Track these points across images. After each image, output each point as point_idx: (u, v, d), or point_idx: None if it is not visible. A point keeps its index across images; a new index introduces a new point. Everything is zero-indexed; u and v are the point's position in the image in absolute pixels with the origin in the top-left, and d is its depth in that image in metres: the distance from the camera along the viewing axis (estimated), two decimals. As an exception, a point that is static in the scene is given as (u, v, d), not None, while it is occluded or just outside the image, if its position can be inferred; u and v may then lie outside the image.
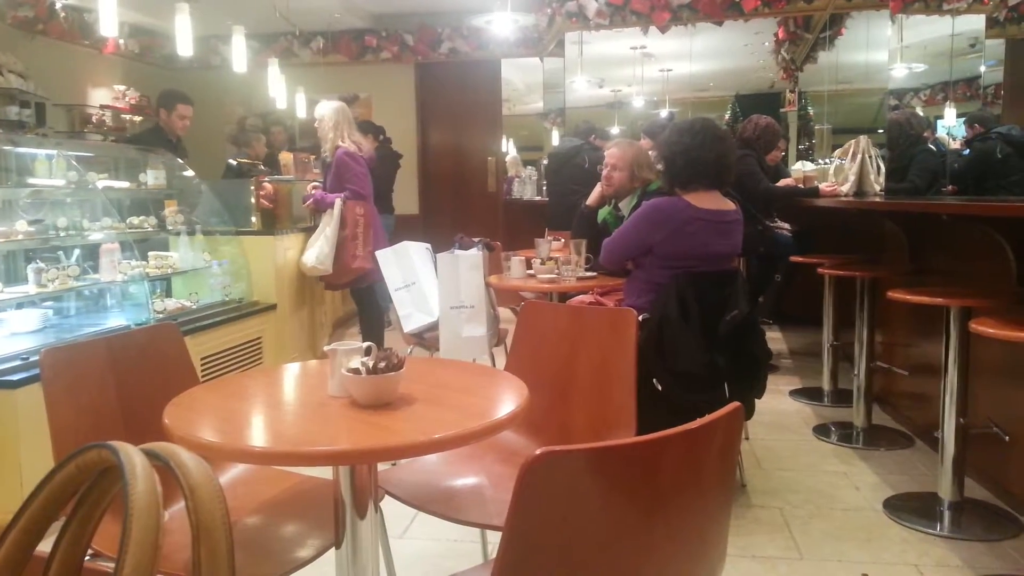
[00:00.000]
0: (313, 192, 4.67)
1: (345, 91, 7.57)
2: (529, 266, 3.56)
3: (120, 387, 1.86)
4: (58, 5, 6.74)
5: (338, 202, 4.42)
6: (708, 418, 1.07)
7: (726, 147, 2.89)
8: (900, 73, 5.99)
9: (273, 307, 4.58)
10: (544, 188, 8.02)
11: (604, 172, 3.55)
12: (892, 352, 3.95)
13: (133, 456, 0.50)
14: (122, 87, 7.65)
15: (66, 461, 0.54)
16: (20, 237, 3.33)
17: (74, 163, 3.73)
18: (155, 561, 0.46)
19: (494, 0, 6.73)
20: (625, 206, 3.51)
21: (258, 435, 1.50)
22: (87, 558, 0.61)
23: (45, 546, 0.60)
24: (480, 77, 8.33)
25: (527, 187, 8.49)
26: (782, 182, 5.00)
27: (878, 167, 4.50)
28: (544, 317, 2.33)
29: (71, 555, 0.55)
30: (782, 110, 8.85)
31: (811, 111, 8.61)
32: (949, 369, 2.72)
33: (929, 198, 4.37)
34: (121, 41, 7.55)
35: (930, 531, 2.67)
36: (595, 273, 3.41)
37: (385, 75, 8.27)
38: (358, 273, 4.49)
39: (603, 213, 3.59)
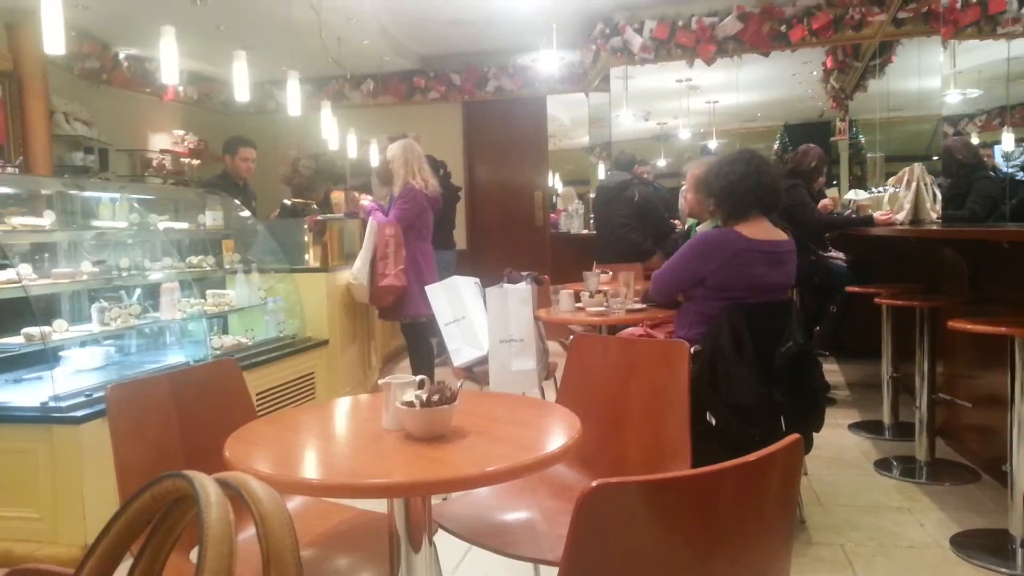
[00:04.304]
0: (365, 204, 4.81)
1: (394, 131, 7.73)
2: (578, 299, 3.56)
3: (182, 421, 1.91)
4: (121, 55, 7.05)
5: (371, 221, 4.53)
6: (767, 450, 1.06)
7: (768, 175, 2.86)
8: (954, 99, 5.89)
9: (325, 343, 4.65)
10: (591, 221, 8.03)
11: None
12: (954, 383, 3.83)
13: (207, 485, 0.51)
14: (181, 132, 7.94)
15: (142, 490, 0.55)
16: (84, 277, 3.45)
17: (136, 205, 3.86)
18: (229, 586, 0.48)
19: (539, 38, 6.84)
20: (703, 229, 3.50)
21: (315, 468, 1.53)
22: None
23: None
24: (526, 114, 8.43)
25: (574, 220, 8.51)
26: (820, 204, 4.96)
27: (934, 195, 4.41)
28: (594, 350, 2.32)
29: (145, 582, 0.57)
30: (832, 139, 8.75)
31: (862, 139, 8.50)
32: (1016, 400, 2.62)
33: (989, 225, 4.25)
34: (180, 88, 7.85)
35: (1002, 570, 2.55)
36: (645, 305, 3.39)
37: (433, 114, 8.42)
38: (387, 292, 4.52)
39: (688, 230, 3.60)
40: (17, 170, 5.26)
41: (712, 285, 2.78)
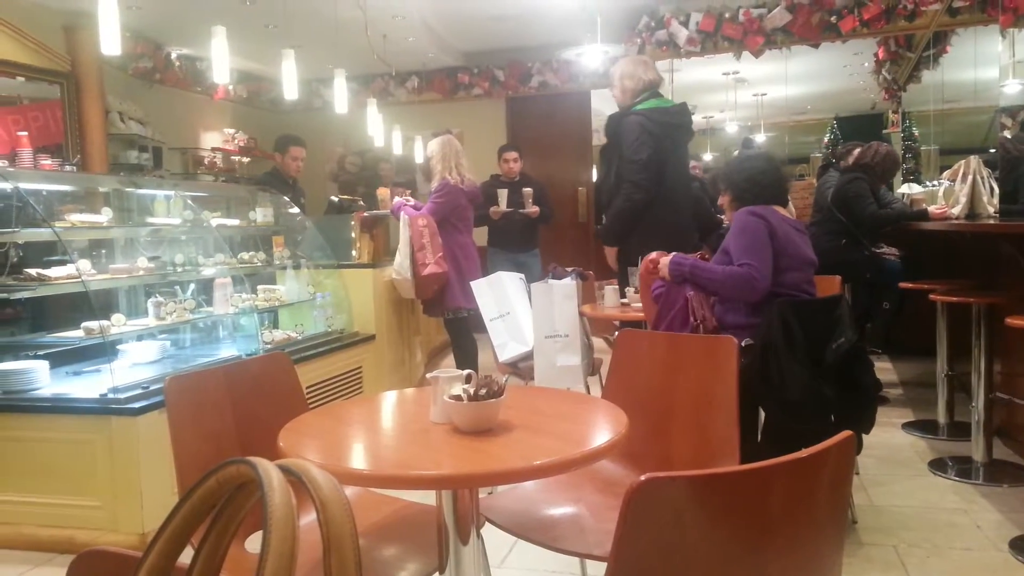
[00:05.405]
0: (399, 200, 4.85)
1: (439, 127, 7.78)
2: (623, 295, 3.55)
3: (236, 413, 1.95)
4: (174, 55, 7.21)
5: (403, 215, 4.58)
6: (818, 447, 1.05)
7: (782, 172, 3.09)
8: (1013, 89, 5.71)
9: (372, 337, 4.71)
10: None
11: None
12: (1013, 382, 3.72)
13: (270, 471, 0.53)
14: (231, 130, 8.09)
15: (207, 475, 0.58)
16: (141, 273, 3.55)
17: (190, 203, 3.96)
18: (292, 568, 0.49)
19: (583, 33, 6.80)
20: None
21: (366, 459, 1.55)
22: None
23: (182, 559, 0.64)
24: (570, 108, 8.40)
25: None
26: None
27: (991, 188, 4.29)
28: (640, 345, 2.31)
29: (210, 565, 0.59)
30: (885, 131, 8.56)
31: (916, 132, 8.29)
32: (1079, 400, 2.55)
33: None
34: (230, 87, 8.00)
35: (1063, 575, 2.48)
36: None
37: (477, 110, 8.45)
38: (431, 281, 4.55)
39: None
40: (75, 168, 5.43)
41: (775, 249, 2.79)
